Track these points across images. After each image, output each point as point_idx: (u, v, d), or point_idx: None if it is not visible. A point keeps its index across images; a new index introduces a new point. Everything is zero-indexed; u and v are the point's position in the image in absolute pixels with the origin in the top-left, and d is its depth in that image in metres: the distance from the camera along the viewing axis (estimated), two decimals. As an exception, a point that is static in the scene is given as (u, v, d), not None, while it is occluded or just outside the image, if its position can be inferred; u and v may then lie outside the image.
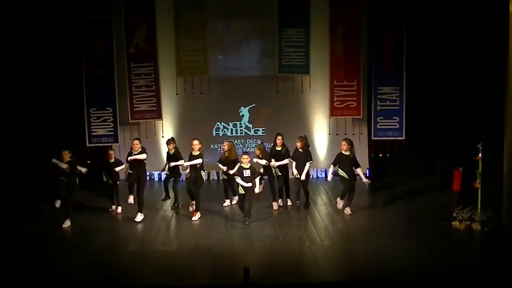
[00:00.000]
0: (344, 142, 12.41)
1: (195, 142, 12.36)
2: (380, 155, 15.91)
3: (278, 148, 12.87)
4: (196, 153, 12.26)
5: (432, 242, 10.61)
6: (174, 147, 12.72)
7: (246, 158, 11.92)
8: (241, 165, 12.01)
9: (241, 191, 11.83)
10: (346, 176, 12.24)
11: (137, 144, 12.41)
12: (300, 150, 12.62)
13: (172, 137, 13.23)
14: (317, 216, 12.40)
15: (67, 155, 11.85)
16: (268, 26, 15.64)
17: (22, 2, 13.55)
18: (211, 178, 16.00)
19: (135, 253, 10.54)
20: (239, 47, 16.02)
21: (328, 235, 11.32)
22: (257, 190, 11.97)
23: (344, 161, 12.31)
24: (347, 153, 12.30)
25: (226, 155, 12.89)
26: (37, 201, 13.31)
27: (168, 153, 12.88)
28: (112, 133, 15.30)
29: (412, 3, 14.98)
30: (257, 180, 11.96)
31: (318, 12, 15.40)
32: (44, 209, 12.93)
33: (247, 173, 11.84)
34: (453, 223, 11.42)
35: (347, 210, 12.30)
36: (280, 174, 12.85)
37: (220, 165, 12.93)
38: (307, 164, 12.53)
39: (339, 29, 15.41)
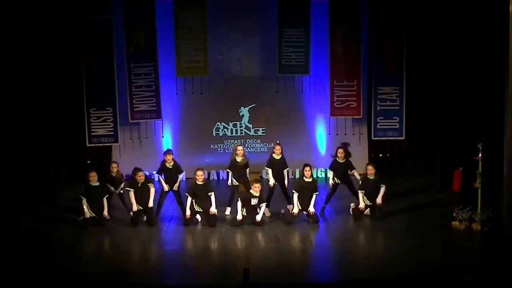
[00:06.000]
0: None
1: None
2: (380, 155, 15.90)
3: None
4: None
5: (432, 242, 10.60)
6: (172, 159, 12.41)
7: (257, 187, 11.72)
8: (251, 191, 11.78)
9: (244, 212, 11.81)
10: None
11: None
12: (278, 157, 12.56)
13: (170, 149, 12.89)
14: (319, 216, 12.37)
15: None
16: (268, 26, 15.63)
17: (23, 3, 13.55)
18: (210, 178, 16.00)
19: (135, 253, 10.55)
20: (239, 47, 16.02)
21: (328, 235, 11.32)
22: (258, 218, 11.76)
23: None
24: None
25: (239, 160, 12.59)
26: (37, 200, 13.30)
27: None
28: (112, 133, 15.29)
29: (412, 3, 14.97)
30: (263, 206, 11.85)
31: (318, 12, 15.40)
32: (44, 209, 12.93)
33: (254, 201, 11.75)
34: (453, 223, 11.42)
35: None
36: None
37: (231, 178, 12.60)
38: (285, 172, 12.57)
39: (339, 29, 15.40)
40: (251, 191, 11.75)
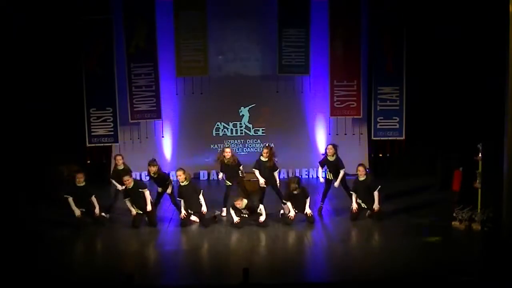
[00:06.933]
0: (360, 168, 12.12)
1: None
2: (380, 155, 15.90)
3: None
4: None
5: (432, 242, 10.60)
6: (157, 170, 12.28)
7: (239, 203, 11.56)
8: (236, 206, 11.62)
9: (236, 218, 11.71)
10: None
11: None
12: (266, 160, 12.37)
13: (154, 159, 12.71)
14: (316, 216, 12.37)
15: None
16: (268, 26, 15.63)
17: (23, 3, 13.56)
18: (211, 178, 15.98)
19: (135, 253, 10.55)
20: (239, 47, 15.99)
21: (328, 235, 11.32)
22: (262, 218, 11.66)
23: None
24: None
25: (227, 162, 12.38)
26: (37, 200, 13.31)
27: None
28: (112, 133, 15.29)
29: (412, 3, 14.97)
30: (262, 208, 11.74)
31: (318, 12, 15.40)
32: (43, 208, 12.93)
33: (245, 212, 11.68)
34: (453, 223, 11.42)
35: None
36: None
37: (221, 174, 12.54)
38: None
39: (339, 29, 15.39)
40: (236, 205, 11.63)
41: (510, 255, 9.77)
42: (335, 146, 12.63)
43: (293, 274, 9.42)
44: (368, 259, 9.95)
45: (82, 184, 11.71)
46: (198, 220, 11.94)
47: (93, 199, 11.78)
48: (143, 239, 11.24)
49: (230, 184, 12.43)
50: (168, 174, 13.19)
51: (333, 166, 12.53)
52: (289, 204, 11.86)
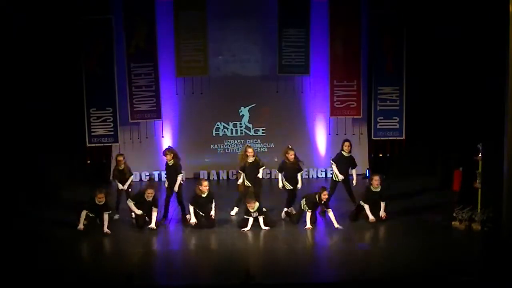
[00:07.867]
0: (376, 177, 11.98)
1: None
2: (380, 155, 15.91)
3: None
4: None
5: (432, 242, 10.61)
6: (172, 158, 12.23)
7: (251, 205, 11.39)
8: (248, 208, 11.45)
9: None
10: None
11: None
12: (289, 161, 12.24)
13: (169, 147, 12.73)
14: (317, 216, 12.37)
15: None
16: (268, 26, 15.63)
17: (23, 2, 13.55)
18: (211, 178, 15.97)
19: (136, 254, 10.54)
20: (239, 47, 16.00)
21: (328, 235, 11.32)
22: (263, 227, 11.53)
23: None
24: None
25: (249, 161, 12.27)
26: (38, 200, 13.30)
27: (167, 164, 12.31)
28: (112, 133, 15.30)
29: (412, 3, 14.97)
30: (260, 219, 11.55)
31: (318, 12, 15.40)
32: (44, 209, 12.93)
33: (255, 214, 11.49)
34: (453, 223, 11.42)
35: None
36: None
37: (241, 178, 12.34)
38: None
39: (339, 29, 15.40)
40: (248, 207, 11.50)
41: (510, 255, 9.77)
42: (351, 143, 12.65)
43: (294, 274, 9.42)
44: (368, 259, 9.95)
45: (102, 203, 11.54)
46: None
47: (105, 216, 11.49)
48: (144, 239, 11.23)
49: (250, 185, 12.21)
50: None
51: (347, 163, 12.50)
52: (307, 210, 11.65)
